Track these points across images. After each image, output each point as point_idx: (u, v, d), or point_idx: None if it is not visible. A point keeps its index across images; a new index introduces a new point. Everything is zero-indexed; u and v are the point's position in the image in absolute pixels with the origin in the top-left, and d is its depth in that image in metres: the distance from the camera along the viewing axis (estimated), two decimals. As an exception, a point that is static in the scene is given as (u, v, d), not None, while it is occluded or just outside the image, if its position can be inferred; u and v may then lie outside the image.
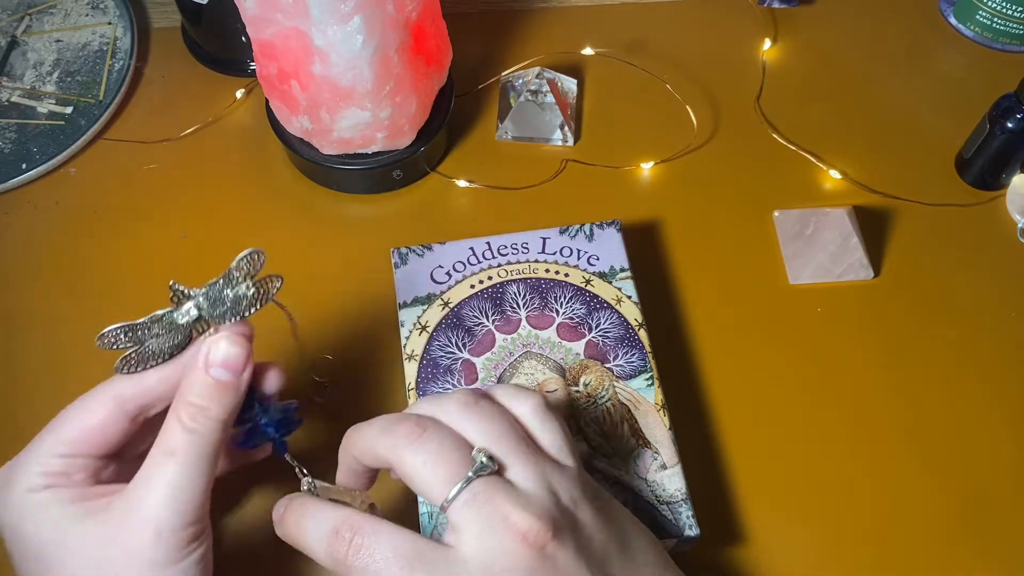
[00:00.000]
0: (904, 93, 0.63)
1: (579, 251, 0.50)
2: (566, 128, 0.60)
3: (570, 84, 0.62)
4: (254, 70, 0.63)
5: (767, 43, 0.65)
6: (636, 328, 0.48)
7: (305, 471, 0.38)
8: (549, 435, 0.36)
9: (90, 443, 0.36)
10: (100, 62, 0.63)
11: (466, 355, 0.47)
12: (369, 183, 0.58)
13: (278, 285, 0.38)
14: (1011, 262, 0.56)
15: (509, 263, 0.50)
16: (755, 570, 0.45)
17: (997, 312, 0.54)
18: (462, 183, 0.59)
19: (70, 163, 0.60)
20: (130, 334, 0.36)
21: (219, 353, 0.36)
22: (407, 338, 0.48)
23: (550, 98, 0.60)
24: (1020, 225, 0.57)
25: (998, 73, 0.63)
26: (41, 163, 0.58)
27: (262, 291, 0.38)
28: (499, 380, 0.46)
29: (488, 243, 0.51)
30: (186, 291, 0.36)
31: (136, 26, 0.65)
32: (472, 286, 0.49)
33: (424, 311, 0.49)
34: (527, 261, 0.50)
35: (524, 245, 0.51)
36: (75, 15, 0.66)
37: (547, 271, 0.50)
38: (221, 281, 0.37)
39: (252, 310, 0.37)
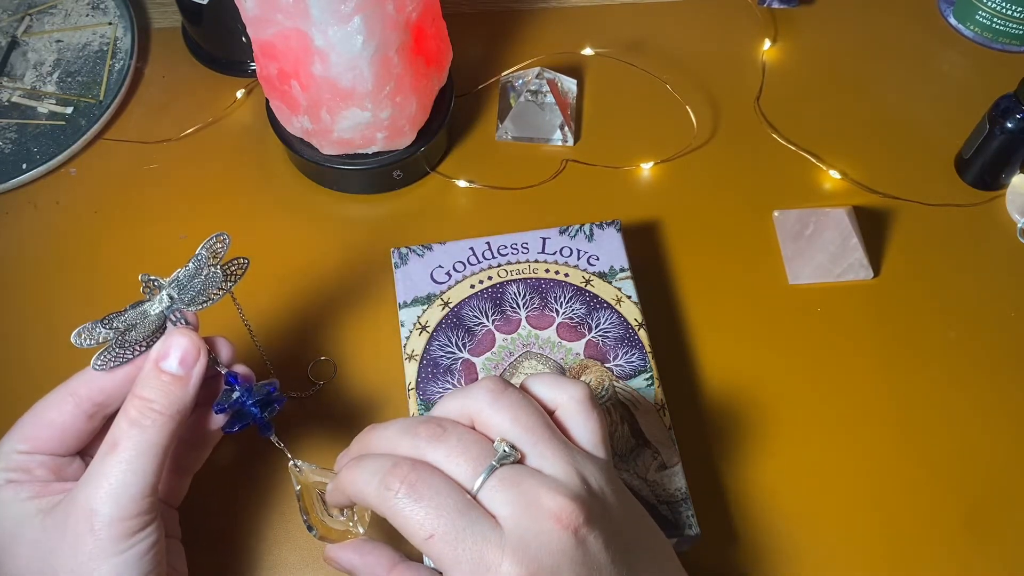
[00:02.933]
0: (904, 93, 0.63)
1: (579, 251, 0.50)
2: (566, 128, 0.60)
3: (570, 84, 0.62)
4: (254, 70, 0.63)
5: (767, 43, 0.65)
6: (636, 328, 0.48)
7: (290, 454, 0.39)
8: (584, 426, 0.36)
9: (49, 440, 0.37)
10: (100, 62, 0.63)
11: (466, 355, 0.47)
12: (369, 183, 0.58)
13: (245, 263, 0.39)
14: (1011, 262, 0.56)
15: (509, 263, 0.50)
16: (755, 570, 0.45)
17: (997, 312, 0.54)
18: (462, 183, 0.59)
19: (70, 163, 0.60)
20: (107, 326, 0.36)
21: (170, 345, 0.36)
22: (407, 338, 0.48)
23: (550, 98, 0.60)
24: (1020, 225, 0.57)
25: (998, 73, 0.63)
26: (41, 163, 0.58)
27: (228, 273, 0.39)
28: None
29: (488, 243, 0.51)
30: (157, 280, 0.37)
31: (136, 26, 0.65)
32: (472, 286, 0.49)
33: (424, 311, 0.49)
34: (527, 261, 0.50)
35: (524, 245, 0.51)
36: (75, 15, 0.66)
37: (547, 271, 0.50)
38: (190, 266, 0.38)
39: (220, 293, 0.38)
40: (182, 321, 0.38)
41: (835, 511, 0.47)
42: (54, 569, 0.34)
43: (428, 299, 0.49)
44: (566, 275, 0.50)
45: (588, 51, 0.64)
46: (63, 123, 0.61)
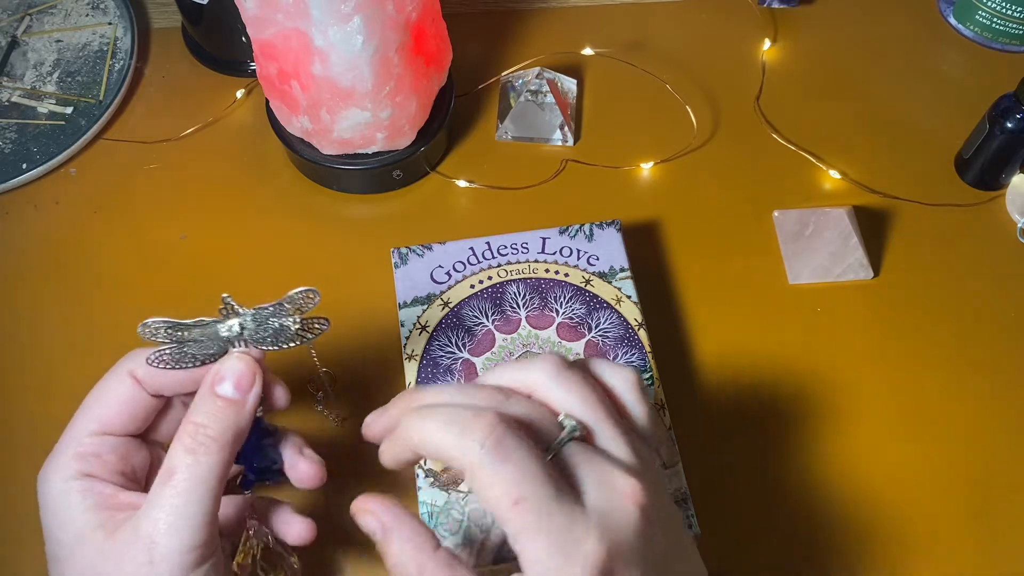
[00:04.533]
0: (904, 93, 0.63)
1: (579, 251, 0.50)
2: (566, 128, 0.60)
3: (570, 84, 0.62)
4: (254, 70, 0.63)
5: (767, 43, 0.65)
6: (636, 328, 0.48)
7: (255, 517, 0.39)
8: (639, 409, 0.35)
9: (118, 417, 0.36)
10: (100, 62, 0.63)
11: (466, 355, 0.47)
12: (369, 183, 0.58)
13: (324, 328, 0.38)
14: (1011, 262, 0.56)
15: (509, 263, 0.50)
16: (755, 570, 0.45)
17: (997, 312, 0.54)
18: (462, 183, 0.59)
19: (70, 163, 0.60)
20: (172, 332, 0.36)
21: (226, 370, 0.36)
22: (407, 338, 0.48)
23: (550, 98, 0.60)
24: (1020, 225, 0.57)
25: (998, 73, 0.63)
26: (41, 163, 0.58)
27: (306, 329, 0.37)
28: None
29: (488, 243, 0.51)
30: (236, 307, 0.36)
31: (136, 26, 0.65)
32: (472, 286, 0.49)
33: (424, 311, 0.49)
34: (527, 261, 0.50)
35: (524, 245, 0.51)
36: (75, 15, 0.66)
37: (547, 271, 0.50)
38: (271, 308, 0.36)
39: (291, 344, 0.37)
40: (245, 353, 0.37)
41: (835, 510, 0.47)
42: None
43: (428, 299, 0.49)
44: (566, 275, 0.50)
45: (588, 51, 0.64)
46: (63, 123, 0.61)
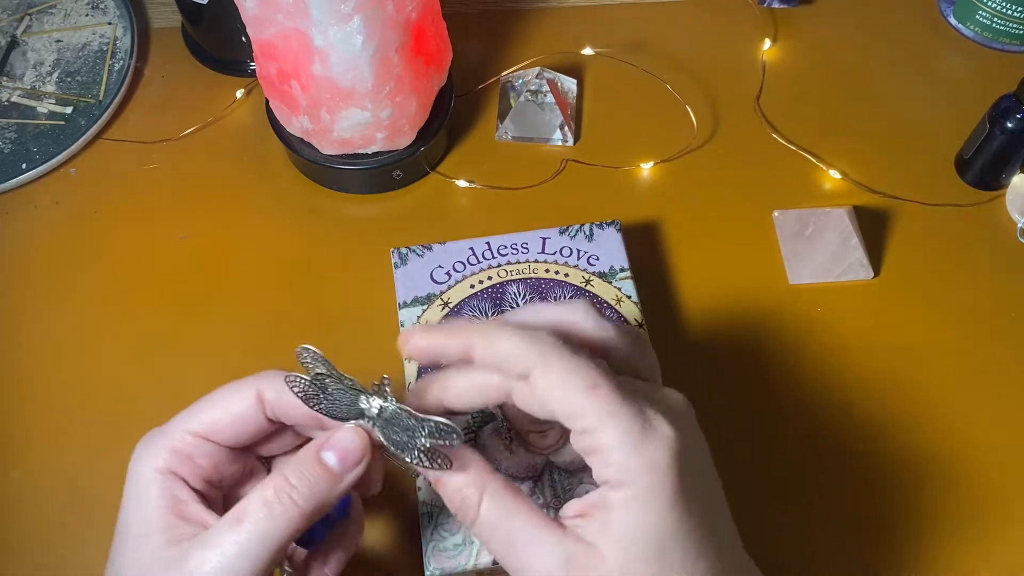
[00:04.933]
0: (904, 93, 0.63)
1: (579, 251, 0.50)
2: (566, 128, 0.60)
3: (570, 84, 0.62)
4: (254, 70, 0.63)
5: (767, 43, 0.65)
6: (636, 328, 0.48)
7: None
8: (651, 359, 0.37)
9: (224, 428, 0.35)
10: (100, 62, 0.63)
11: (466, 355, 0.47)
12: (369, 183, 0.58)
13: (444, 468, 0.34)
14: (1011, 262, 0.56)
15: (509, 263, 0.50)
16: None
17: (997, 312, 0.54)
18: (462, 183, 0.59)
19: (70, 163, 0.60)
20: (320, 372, 0.35)
21: (339, 439, 0.34)
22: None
23: (550, 98, 0.60)
24: (1020, 225, 0.57)
25: (998, 73, 0.63)
26: (41, 163, 0.58)
27: (427, 457, 0.34)
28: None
29: (488, 243, 0.51)
30: (388, 393, 0.35)
31: (136, 26, 0.65)
32: (472, 286, 0.49)
33: (424, 311, 0.49)
34: (527, 261, 0.50)
35: (524, 245, 0.51)
36: (75, 15, 0.66)
37: (547, 271, 0.50)
38: (415, 417, 0.34)
39: (408, 457, 0.34)
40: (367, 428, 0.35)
41: (835, 510, 0.47)
42: None
43: (428, 299, 0.49)
44: (566, 275, 0.50)
45: (588, 51, 0.64)
46: (63, 123, 0.61)
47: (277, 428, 0.37)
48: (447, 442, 0.34)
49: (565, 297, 0.49)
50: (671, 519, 0.31)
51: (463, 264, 0.50)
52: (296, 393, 0.34)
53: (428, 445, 0.34)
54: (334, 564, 0.38)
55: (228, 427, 0.36)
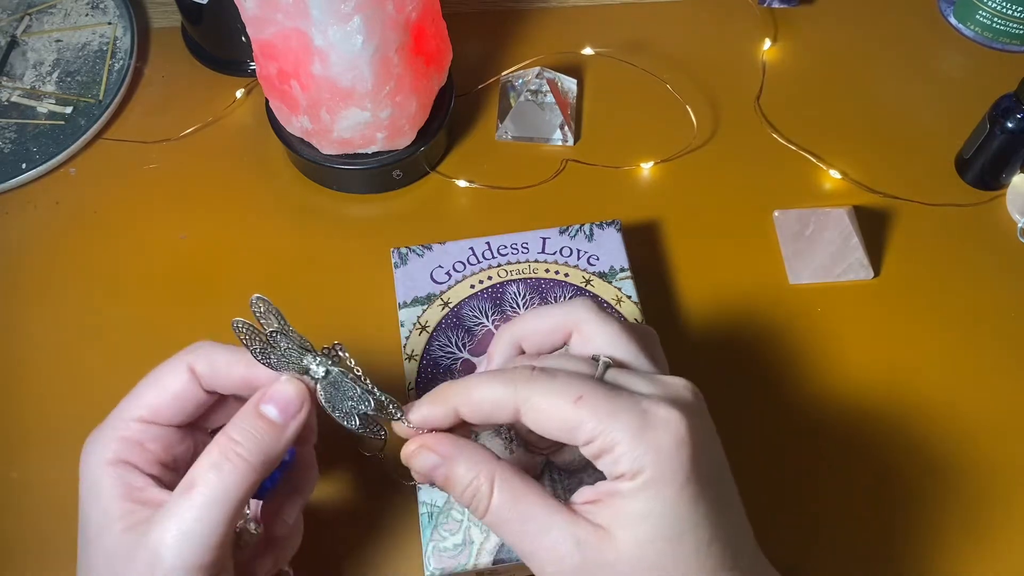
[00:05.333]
0: (904, 93, 0.63)
1: (579, 251, 0.50)
2: (566, 128, 0.60)
3: (570, 84, 0.62)
4: (254, 70, 0.63)
5: (767, 43, 0.65)
6: (642, 324, 0.48)
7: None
8: (659, 352, 0.38)
9: (167, 409, 0.36)
10: (100, 62, 0.63)
11: (466, 355, 0.47)
12: (369, 183, 0.58)
13: (380, 439, 0.36)
14: (1011, 262, 0.56)
15: (509, 263, 0.50)
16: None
17: (997, 312, 0.54)
18: (462, 183, 0.59)
19: (70, 163, 0.60)
20: (273, 331, 0.35)
21: (276, 391, 0.35)
22: (407, 338, 0.48)
23: (550, 98, 0.60)
24: (1020, 225, 0.57)
25: (998, 73, 0.63)
26: (41, 163, 0.58)
27: (367, 426, 0.36)
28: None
29: (488, 243, 0.51)
30: (344, 357, 0.36)
31: (136, 26, 0.65)
32: (472, 286, 0.49)
33: (424, 311, 0.49)
34: (527, 261, 0.50)
35: (524, 245, 0.51)
36: (75, 15, 0.66)
37: (547, 271, 0.50)
38: (363, 385, 0.35)
39: (344, 422, 0.35)
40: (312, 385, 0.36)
41: (834, 510, 0.47)
42: None
43: (428, 299, 0.49)
44: (566, 275, 0.50)
45: (588, 51, 0.64)
46: (63, 123, 0.60)
47: (218, 399, 0.38)
48: (392, 416, 0.35)
49: (565, 297, 0.49)
50: (683, 502, 0.31)
51: (463, 264, 0.50)
52: (240, 337, 0.34)
53: (371, 414, 0.35)
54: (290, 509, 0.38)
55: (168, 406, 0.36)
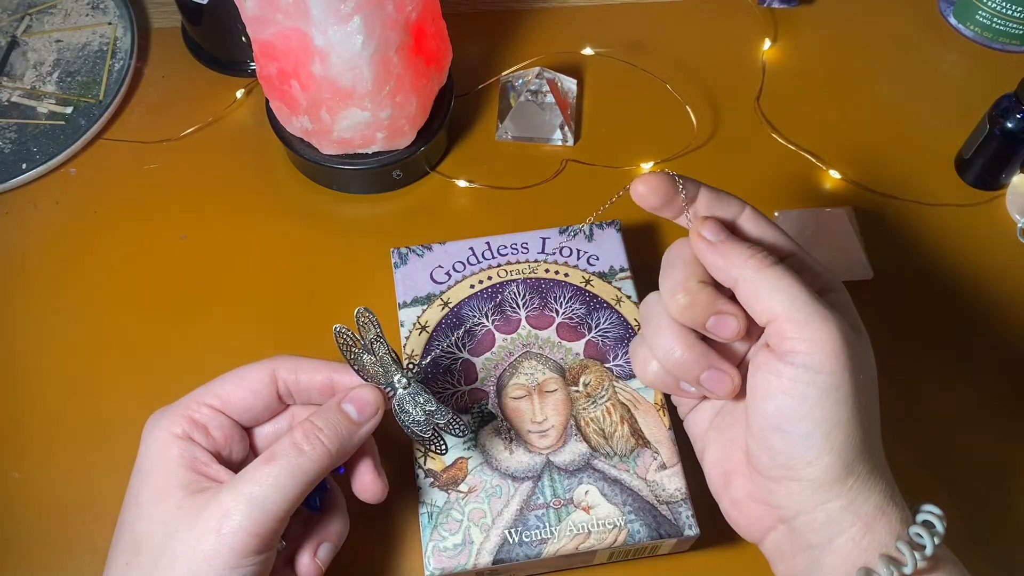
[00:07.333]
0: (904, 93, 0.63)
1: (579, 251, 0.50)
2: (566, 128, 0.60)
3: (570, 84, 0.62)
4: (254, 70, 0.63)
5: (767, 43, 0.65)
6: (636, 328, 0.48)
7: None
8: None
9: (240, 403, 0.39)
10: (100, 62, 0.63)
11: (466, 355, 0.47)
12: (369, 183, 0.58)
13: (439, 452, 0.41)
14: (1011, 262, 0.56)
15: (509, 263, 0.50)
16: (755, 570, 0.45)
17: (997, 312, 0.53)
18: (462, 183, 0.59)
19: (70, 163, 0.60)
20: (370, 337, 0.40)
21: (358, 394, 0.39)
22: (407, 338, 0.48)
23: (550, 98, 0.60)
24: (1020, 225, 0.57)
25: (998, 73, 0.63)
26: (41, 163, 0.58)
27: (431, 438, 0.41)
28: (499, 380, 0.46)
29: (488, 243, 0.51)
30: (417, 370, 0.41)
31: (136, 26, 0.65)
32: (472, 286, 0.49)
33: (424, 311, 0.49)
34: (527, 261, 0.50)
35: (524, 245, 0.51)
36: (75, 15, 0.66)
37: (547, 271, 0.50)
38: (436, 406, 0.40)
39: (412, 431, 0.40)
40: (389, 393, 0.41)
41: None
42: (173, 553, 0.34)
43: (428, 299, 0.49)
44: (566, 275, 0.50)
45: (588, 51, 0.64)
46: (63, 123, 0.61)
47: (281, 410, 0.41)
48: (458, 433, 0.41)
49: (565, 297, 0.49)
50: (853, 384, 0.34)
51: (463, 264, 0.50)
52: (339, 341, 0.39)
53: (437, 428, 0.40)
54: (323, 554, 0.40)
55: (242, 400, 0.39)
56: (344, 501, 0.42)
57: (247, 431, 0.41)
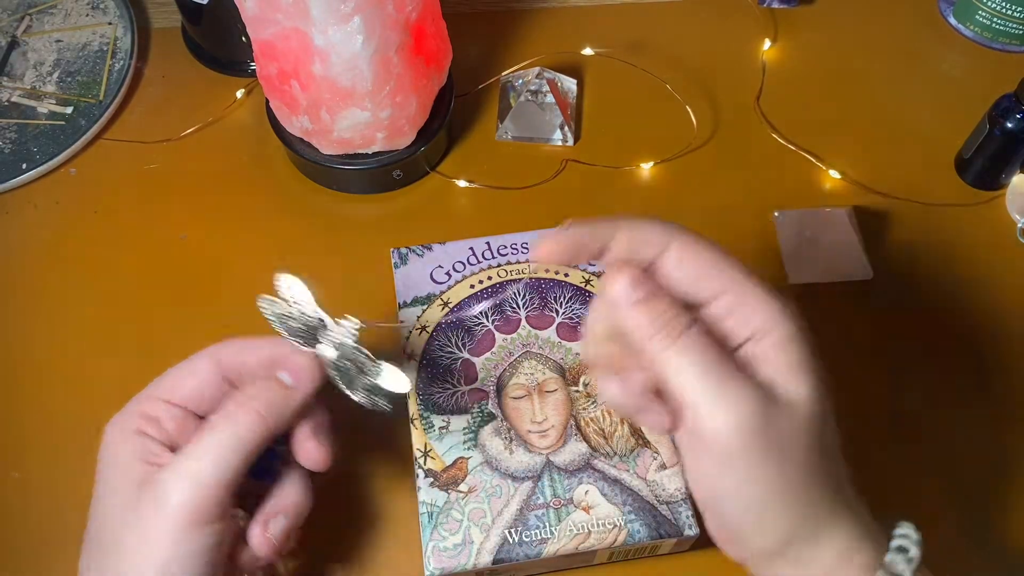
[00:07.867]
0: (904, 93, 0.63)
1: (579, 251, 0.50)
2: (566, 128, 0.60)
3: (570, 84, 0.62)
4: (254, 70, 0.63)
5: (767, 43, 0.65)
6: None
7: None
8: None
9: (188, 393, 0.38)
10: (100, 62, 0.64)
11: (466, 355, 0.47)
12: (369, 183, 0.58)
13: (383, 408, 0.39)
14: (1011, 262, 0.56)
15: (509, 263, 0.50)
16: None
17: (997, 311, 0.53)
18: (462, 183, 0.59)
19: (70, 163, 0.60)
20: (298, 303, 0.39)
21: (291, 360, 0.38)
22: (407, 338, 0.48)
23: (550, 98, 0.60)
24: (1020, 225, 0.57)
25: (998, 73, 0.63)
26: (41, 163, 0.58)
27: (370, 394, 0.39)
28: (499, 380, 0.46)
29: (488, 243, 0.51)
30: (351, 328, 0.39)
31: (136, 26, 0.65)
32: (472, 286, 0.49)
33: (424, 311, 0.49)
34: (527, 261, 0.50)
35: (524, 245, 0.51)
36: (75, 15, 0.66)
37: (547, 271, 0.50)
38: (369, 361, 0.39)
39: (347, 391, 0.39)
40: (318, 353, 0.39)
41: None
42: (124, 543, 0.35)
43: (428, 299, 0.49)
44: (566, 275, 0.50)
45: (588, 51, 0.64)
46: (63, 123, 0.61)
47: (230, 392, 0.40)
48: (405, 388, 0.39)
49: (565, 297, 0.49)
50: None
51: (463, 264, 0.50)
52: (265, 315, 0.38)
53: (371, 384, 0.39)
54: (275, 527, 0.39)
55: (192, 389, 0.39)
56: (304, 474, 0.41)
57: (205, 419, 0.40)
